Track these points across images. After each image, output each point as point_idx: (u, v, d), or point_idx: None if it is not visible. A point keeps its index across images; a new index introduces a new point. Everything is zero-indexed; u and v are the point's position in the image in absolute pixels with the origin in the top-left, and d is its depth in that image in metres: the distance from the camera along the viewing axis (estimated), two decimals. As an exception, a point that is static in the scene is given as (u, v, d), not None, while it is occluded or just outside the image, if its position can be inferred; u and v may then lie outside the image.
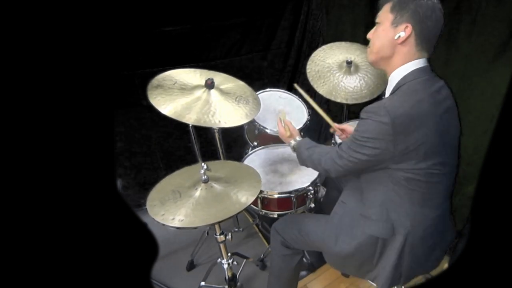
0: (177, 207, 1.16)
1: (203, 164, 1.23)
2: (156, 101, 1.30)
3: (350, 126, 1.58)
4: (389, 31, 1.10)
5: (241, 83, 1.59)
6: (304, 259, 1.81)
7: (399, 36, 1.08)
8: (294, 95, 2.03)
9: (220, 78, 1.53)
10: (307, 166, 1.36)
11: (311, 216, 1.48)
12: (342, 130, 1.61)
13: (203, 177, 1.23)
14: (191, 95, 1.37)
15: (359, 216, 1.23)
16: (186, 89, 1.40)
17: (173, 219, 1.11)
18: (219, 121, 1.33)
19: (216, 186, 1.24)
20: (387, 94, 1.17)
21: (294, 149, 1.43)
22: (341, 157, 1.16)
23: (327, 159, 1.23)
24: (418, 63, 1.10)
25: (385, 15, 1.12)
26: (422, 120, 1.03)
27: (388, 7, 1.11)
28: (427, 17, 1.05)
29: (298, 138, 1.44)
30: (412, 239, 1.15)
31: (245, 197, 1.21)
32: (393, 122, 1.01)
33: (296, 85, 1.65)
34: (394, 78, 1.13)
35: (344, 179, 1.52)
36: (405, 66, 1.10)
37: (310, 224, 1.37)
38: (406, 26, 1.06)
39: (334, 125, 1.61)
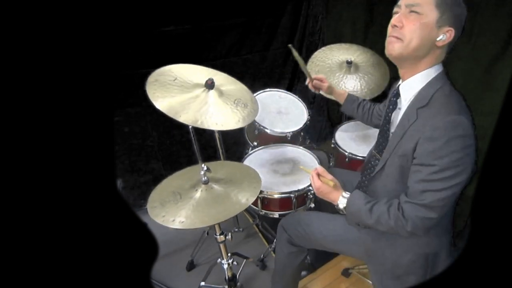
0: (178, 208, 1.15)
1: (203, 165, 1.23)
2: (152, 94, 1.27)
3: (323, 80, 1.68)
4: (433, 30, 0.96)
5: (242, 86, 1.56)
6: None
7: (441, 39, 0.97)
8: (294, 95, 2.03)
9: (222, 78, 1.51)
10: (368, 227, 1.15)
11: (321, 215, 1.39)
12: (320, 80, 1.68)
13: (203, 179, 1.23)
14: (189, 93, 1.34)
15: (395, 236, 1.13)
16: (185, 86, 1.38)
17: (174, 220, 1.11)
18: (217, 123, 1.29)
19: (216, 187, 1.24)
20: (405, 96, 1.08)
21: (344, 208, 1.17)
22: (432, 207, 0.98)
23: (412, 220, 1.01)
24: (438, 68, 1.04)
25: (429, 8, 0.96)
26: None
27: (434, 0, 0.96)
28: (462, 25, 0.98)
29: (345, 194, 1.17)
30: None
31: (245, 198, 1.20)
32: (472, 129, 0.94)
33: (290, 46, 1.68)
34: (416, 82, 1.04)
35: (373, 194, 1.22)
36: (430, 70, 1.03)
37: (322, 224, 1.33)
38: (449, 30, 0.96)
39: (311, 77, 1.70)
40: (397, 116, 1.12)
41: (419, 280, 1.16)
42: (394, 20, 1.01)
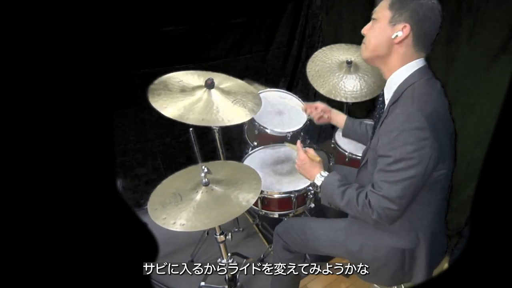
0: (178, 210, 1.15)
1: (203, 166, 1.23)
2: (158, 104, 1.30)
3: (321, 104, 1.58)
4: (386, 29, 1.05)
5: (239, 81, 1.59)
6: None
7: (396, 36, 1.04)
8: (294, 95, 2.03)
9: (219, 78, 1.53)
10: (339, 208, 1.20)
11: (314, 220, 1.44)
12: (314, 107, 1.59)
13: (204, 180, 1.23)
14: (192, 96, 1.38)
15: (373, 227, 1.19)
16: (186, 90, 1.41)
17: (175, 223, 1.11)
18: (223, 119, 1.33)
19: (217, 189, 1.24)
20: (387, 95, 1.15)
21: (319, 188, 1.23)
22: (389, 198, 1.03)
23: (376, 209, 1.06)
24: (417, 63, 1.07)
25: (383, 12, 1.07)
26: (441, 118, 1.03)
27: (387, 3, 1.06)
28: (426, 18, 1.01)
29: (323, 173, 1.24)
30: (432, 241, 1.17)
31: (245, 200, 1.20)
32: (429, 123, 0.96)
33: (245, 80, 1.61)
34: (394, 80, 1.10)
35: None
36: (405, 68, 1.07)
37: (315, 228, 1.35)
38: (404, 26, 1.02)
39: (304, 104, 1.62)
40: None
41: (396, 271, 1.20)
42: (363, 29, 1.14)
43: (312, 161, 1.28)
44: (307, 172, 1.28)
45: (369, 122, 1.60)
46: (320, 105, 1.58)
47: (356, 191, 1.13)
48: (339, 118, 1.57)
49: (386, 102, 1.14)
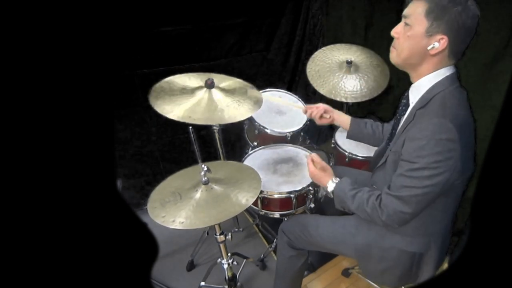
0: (178, 209, 1.15)
1: (203, 165, 1.23)
2: (161, 109, 1.32)
3: (323, 104, 1.55)
4: (422, 39, 1.00)
5: (236, 80, 1.61)
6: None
7: (432, 47, 0.99)
8: (294, 95, 2.03)
9: (217, 77, 1.55)
10: (352, 212, 1.21)
11: (320, 217, 1.43)
12: (315, 107, 1.55)
13: (203, 179, 1.23)
14: (193, 97, 1.40)
15: (385, 227, 1.18)
16: (187, 91, 1.42)
17: (174, 221, 1.11)
18: (229, 117, 1.37)
19: (216, 188, 1.24)
20: (412, 98, 1.12)
21: (332, 193, 1.25)
22: (406, 202, 1.02)
23: (387, 211, 1.05)
24: (448, 70, 1.04)
25: (418, 18, 0.99)
26: (469, 131, 1.02)
27: (423, 8, 0.98)
28: (464, 28, 0.97)
29: (334, 179, 1.26)
30: (442, 244, 1.19)
31: (245, 199, 1.21)
32: (459, 135, 0.94)
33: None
34: (422, 85, 1.07)
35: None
36: (435, 74, 1.04)
37: (321, 226, 1.36)
38: (442, 38, 0.97)
39: (304, 106, 1.62)
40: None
41: (404, 273, 1.21)
42: (393, 30, 1.08)
43: (322, 171, 1.29)
44: (320, 182, 1.31)
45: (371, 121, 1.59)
46: (322, 105, 1.56)
47: (367, 194, 1.14)
48: (342, 119, 1.55)
49: (411, 105, 1.13)
